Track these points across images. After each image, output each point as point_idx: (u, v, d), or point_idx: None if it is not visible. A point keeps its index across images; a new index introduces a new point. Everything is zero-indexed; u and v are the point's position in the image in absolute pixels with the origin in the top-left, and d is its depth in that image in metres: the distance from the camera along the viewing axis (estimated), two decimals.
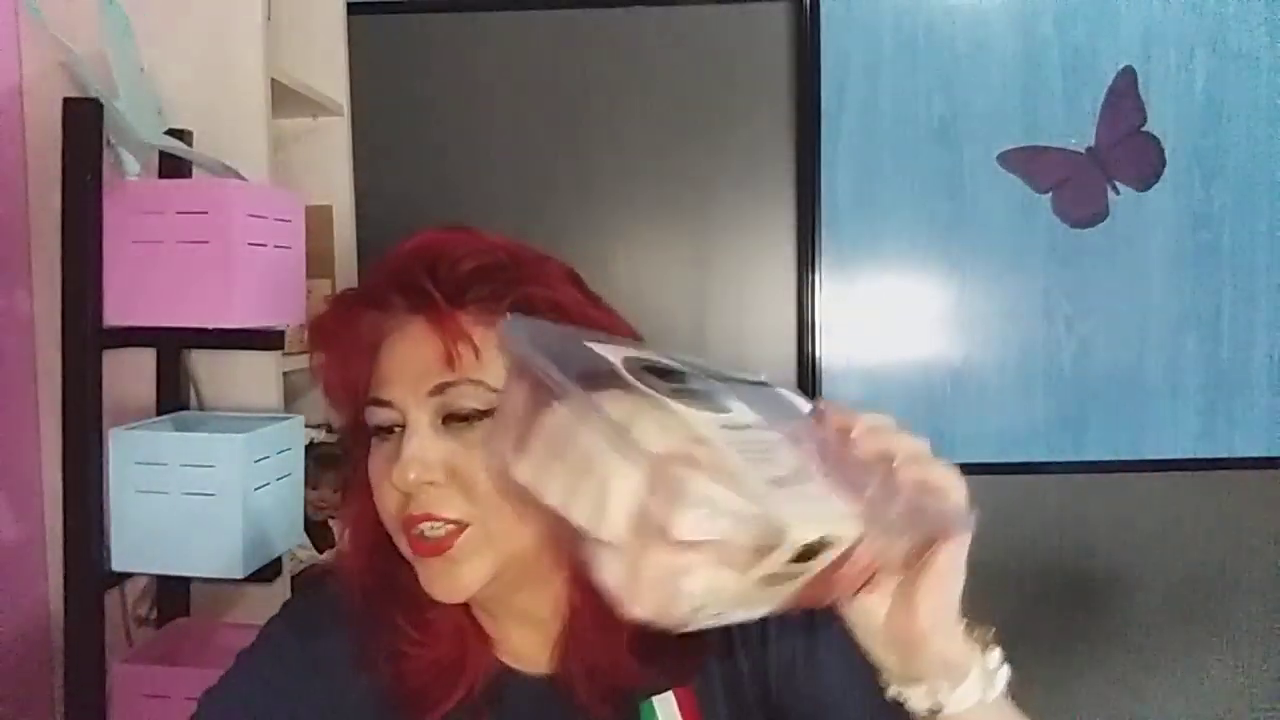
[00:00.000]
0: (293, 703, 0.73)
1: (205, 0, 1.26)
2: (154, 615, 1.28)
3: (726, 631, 0.70)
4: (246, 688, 0.74)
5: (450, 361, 0.64)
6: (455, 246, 0.67)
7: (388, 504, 0.66)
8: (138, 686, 1.13)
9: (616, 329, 0.69)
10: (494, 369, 0.63)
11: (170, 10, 1.25)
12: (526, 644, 0.75)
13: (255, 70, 1.27)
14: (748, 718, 0.74)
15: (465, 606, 0.72)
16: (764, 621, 0.65)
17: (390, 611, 0.71)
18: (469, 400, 0.64)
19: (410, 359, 0.66)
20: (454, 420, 0.65)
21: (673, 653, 0.70)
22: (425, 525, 0.64)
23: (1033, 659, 1.99)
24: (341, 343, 0.70)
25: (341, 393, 0.71)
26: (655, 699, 0.73)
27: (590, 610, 0.70)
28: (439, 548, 0.64)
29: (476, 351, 0.64)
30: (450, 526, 0.64)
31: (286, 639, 0.75)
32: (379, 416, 0.66)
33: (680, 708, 0.73)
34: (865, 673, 0.62)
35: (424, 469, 0.63)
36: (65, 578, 1.10)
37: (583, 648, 0.71)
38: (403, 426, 0.65)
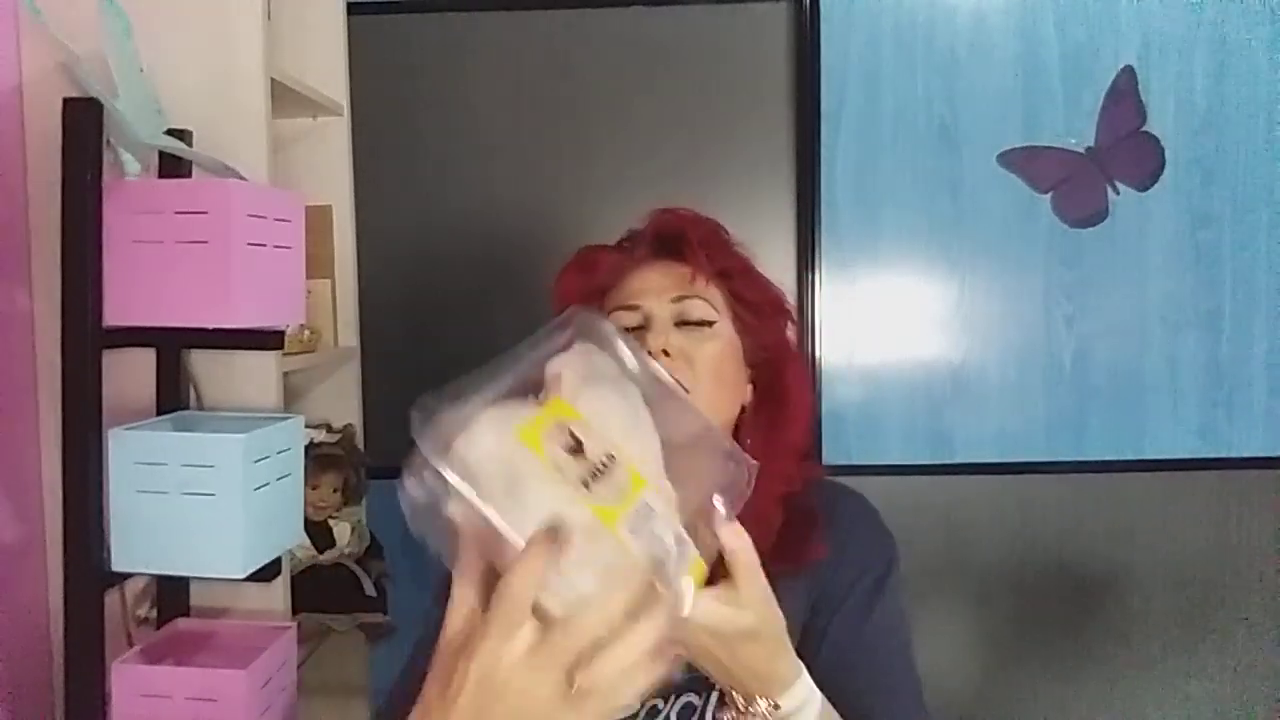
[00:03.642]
0: None
1: (205, 0, 1.26)
2: (154, 615, 1.28)
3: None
4: None
5: (691, 281, 0.93)
6: (704, 221, 0.99)
7: None
8: (138, 686, 1.13)
9: (779, 310, 0.99)
10: (712, 296, 0.93)
11: (170, 10, 1.25)
12: None
13: (255, 70, 1.27)
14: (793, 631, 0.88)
15: None
16: (842, 553, 0.91)
17: None
18: (698, 311, 0.92)
19: (658, 279, 0.94)
20: (684, 325, 0.91)
21: (795, 552, 0.88)
22: None
23: (1033, 659, 1.99)
24: (590, 280, 0.97)
25: None
26: None
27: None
28: None
29: (705, 283, 0.93)
30: None
31: None
32: (625, 319, 0.92)
33: None
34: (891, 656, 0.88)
35: (665, 340, 0.88)
36: (65, 578, 1.10)
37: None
38: (642, 329, 0.90)
